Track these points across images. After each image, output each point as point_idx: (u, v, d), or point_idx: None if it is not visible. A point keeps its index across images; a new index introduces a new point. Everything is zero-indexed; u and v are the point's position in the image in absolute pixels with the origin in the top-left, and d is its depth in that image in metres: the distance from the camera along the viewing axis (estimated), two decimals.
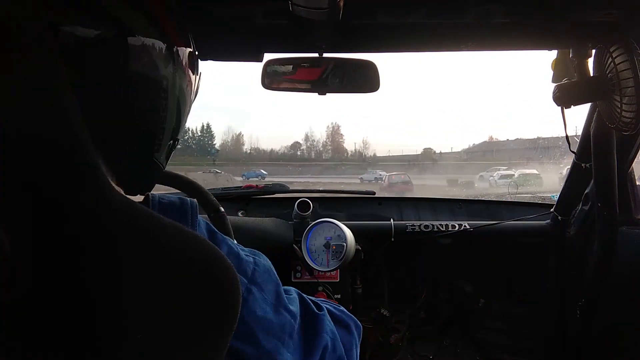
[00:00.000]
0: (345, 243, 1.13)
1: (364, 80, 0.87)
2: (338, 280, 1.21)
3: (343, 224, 1.17)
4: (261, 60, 0.87)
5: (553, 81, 0.94)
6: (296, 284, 1.20)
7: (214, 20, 0.72)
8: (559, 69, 0.93)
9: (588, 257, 1.16)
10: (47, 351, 0.26)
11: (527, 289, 1.42)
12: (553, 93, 0.89)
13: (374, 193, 1.59)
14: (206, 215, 0.83)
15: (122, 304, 0.28)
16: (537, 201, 1.91)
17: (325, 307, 0.49)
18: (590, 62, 0.86)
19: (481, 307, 1.44)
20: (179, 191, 0.86)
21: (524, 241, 1.37)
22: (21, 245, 0.25)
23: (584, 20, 0.75)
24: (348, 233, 1.15)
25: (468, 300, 1.44)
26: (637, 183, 1.14)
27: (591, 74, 0.86)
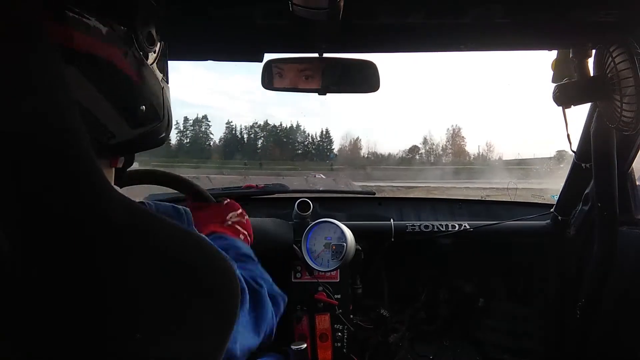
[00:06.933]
0: (345, 243, 1.13)
1: (364, 80, 0.87)
2: (338, 280, 1.21)
3: (343, 224, 1.17)
4: (261, 60, 0.87)
5: (553, 81, 0.94)
6: (296, 284, 1.20)
7: (214, 20, 0.72)
8: (559, 69, 0.93)
9: (588, 257, 1.16)
10: (53, 348, 0.26)
11: (527, 289, 1.42)
12: (553, 93, 0.89)
13: (374, 193, 1.59)
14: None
15: (128, 298, 0.28)
16: (537, 201, 1.91)
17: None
18: (590, 62, 0.86)
19: (481, 307, 1.44)
20: (175, 191, 0.86)
21: (524, 241, 1.36)
22: (20, 246, 0.25)
23: (584, 20, 0.75)
24: (348, 233, 1.15)
25: (468, 300, 1.44)
26: (637, 183, 1.14)
27: (591, 74, 0.86)
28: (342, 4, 0.58)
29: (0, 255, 0.25)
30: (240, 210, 0.75)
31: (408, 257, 1.39)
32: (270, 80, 0.89)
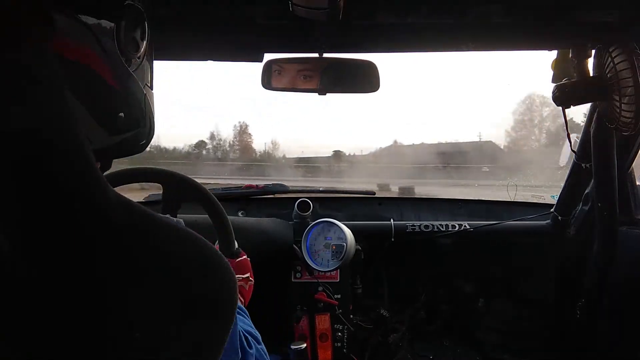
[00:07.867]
0: (345, 243, 1.13)
1: (364, 80, 0.87)
2: (338, 280, 1.21)
3: (343, 224, 1.17)
4: (261, 60, 0.87)
5: (553, 81, 0.94)
6: (296, 284, 1.20)
7: (214, 20, 0.72)
8: (559, 69, 0.93)
9: (588, 257, 1.16)
10: (53, 348, 0.26)
11: (527, 289, 1.42)
12: (553, 93, 0.89)
13: (374, 193, 1.59)
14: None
15: (128, 298, 0.28)
16: (537, 201, 1.91)
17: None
18: (590, 62, 0.86)
19: (481, 307, 1.44)
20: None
21: (524, 241, 1.36)
22: (20, 246, 0.25)
23: (584, 20, 0.75)
24: (348, 233, 1.15)
25: (468, 300, 1.44)
26: (637, 183, 1.14)
27: (591, 74, 0.86)
28: (342, 4, 0.58)
29: (0, 255, 0.25)
30: (247, 275, 0.74)
31: (408, 257, 1.39)
32: (270, 80, 0.89)
